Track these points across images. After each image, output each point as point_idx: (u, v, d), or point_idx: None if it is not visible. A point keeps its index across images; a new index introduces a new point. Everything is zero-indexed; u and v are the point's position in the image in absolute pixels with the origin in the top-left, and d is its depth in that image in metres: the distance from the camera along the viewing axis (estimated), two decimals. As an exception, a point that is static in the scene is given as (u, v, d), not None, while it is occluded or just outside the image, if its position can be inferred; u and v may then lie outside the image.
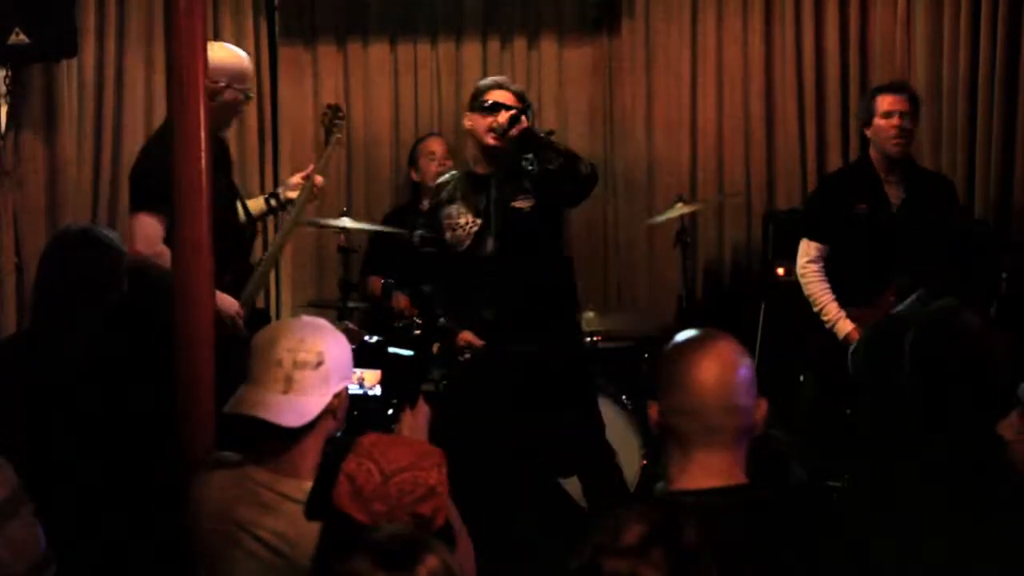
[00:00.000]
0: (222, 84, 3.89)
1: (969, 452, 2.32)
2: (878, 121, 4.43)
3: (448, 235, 4.22)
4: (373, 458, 2.12)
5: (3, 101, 4.84)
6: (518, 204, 4.17)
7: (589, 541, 1.68)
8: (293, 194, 4.25)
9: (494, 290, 4.14)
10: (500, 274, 4.14)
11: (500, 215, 4.14)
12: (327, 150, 4.45)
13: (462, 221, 4.19)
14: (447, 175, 4.38)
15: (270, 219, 4.68)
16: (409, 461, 2.12)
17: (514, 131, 4.04)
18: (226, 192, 4.04)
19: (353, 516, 2.06)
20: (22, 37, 4.48)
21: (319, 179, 4.27)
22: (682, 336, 2.14)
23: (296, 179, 4.31)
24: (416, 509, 2.08)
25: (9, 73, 4.83)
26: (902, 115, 4.42)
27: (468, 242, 4.18)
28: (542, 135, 4.16)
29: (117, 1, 5.21)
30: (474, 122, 4.19)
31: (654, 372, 2.12)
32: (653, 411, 2.09)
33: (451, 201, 4.24)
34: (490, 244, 4.16)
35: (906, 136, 4.45)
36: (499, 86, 4.23)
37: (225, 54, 3.98)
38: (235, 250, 4.04)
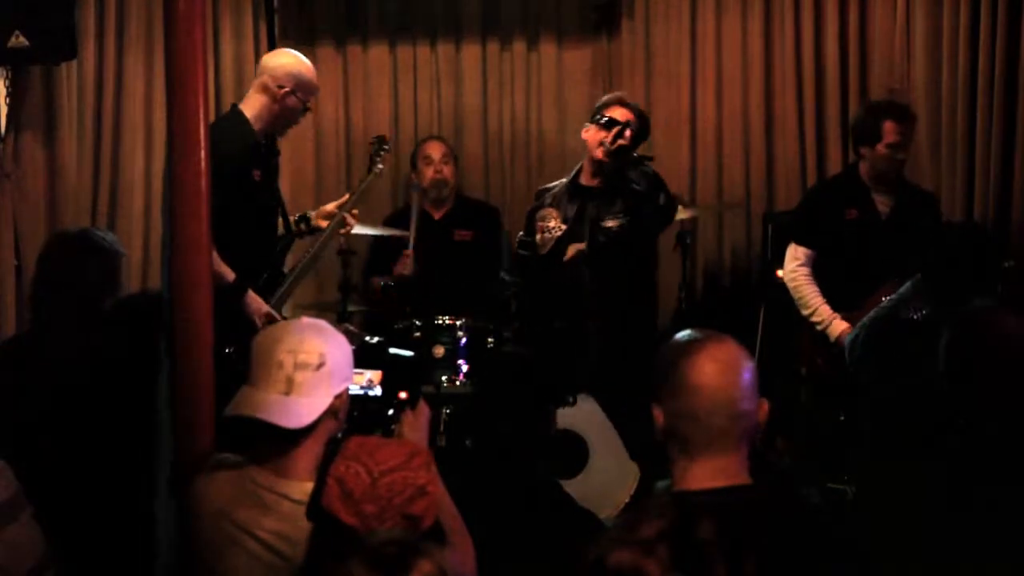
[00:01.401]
0: (287, 89, 3.96)
1: (999, 454, 2.31)
2: (882, 149, 4.50)
3: (537, 237, 4.45)
4: (361, 460, 2.12)
5: (3, 103, 4.84)
6: (607, 223, 4.33)
7: (606, 536, 1.68)
8: (324, 223, 4.29)
9: (566, 296, 4.29)
10: (574, 283, 4.29)
11: (589, 230, 4.28)
12: (368, 177, 4.52)
13: (551, 224, 4.41)
14: (556, 181, 4.60)
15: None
16: (397, 462, 2.13)
17: (615, 145, 4.20)
18: (274, 196, 4.15)
19: (342, 519, 2.06)
20: (22, 39, 4.48)
21: (351, 221, 4.30)
22: (682, 338, 2.12)
23: (330, 207, 4.35)
24: (406, 509, 2.08)
25: (9, 75, 4.83)
26: (907, 145, 4.52)
27: (550, 246, 4.34)
28: (635, 156, 4.34)
29: (117, 3, 5.21)
30: (589, 135, 4.41)
31: (655, 374, 2.11)
32: (658, 415, 2.08)
33: (547, 204, 4.49)
34: (570, 253, 4.32)
35: (905, 162, 4.60)
36: (619, 102, 4.46)
37: (293, 61, 4.07)
38: (269, 254, 4.09)
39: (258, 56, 5.45)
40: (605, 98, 4.53)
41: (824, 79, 5.49)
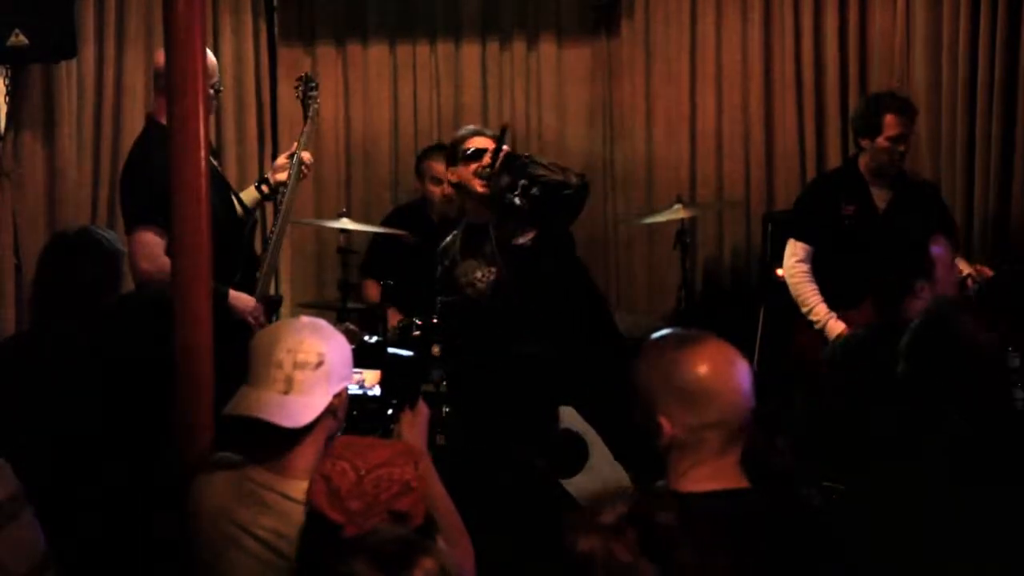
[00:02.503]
0: None
1: (964, 451, 2.32)
2: (882, 142, 4.48)
3: (469, 291, 4.15)
4: (347, 457, 2.14)
5: (3, 102, 4.85)
6: (519, 241, 4.15)
7: (568, 523, 1.68)
8: (283, 176, 4.18)
9: (524, 331, 4.12)
10: (525, 313, 4.13)
11: (504, 257, 4.11)
12: (307, 125, 4.31)
13: (478, 275, 4.14)
14: (449, 237, 4.34)
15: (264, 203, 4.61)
16: (383, 459, 2.14)
17: (498, 164, 4.00)
18: (221, 187, 4.02)
19: (328, 516, 2.07)
20: (21, 38, 4.48)
21: (306, 155, 4.19)
22: (673, 343, 2.07)
23: (282, 160, 4.24)
24: (393, 505, 2.09)
25: (9, 74, 4.83)
26: (908, 138, 4.50)
27: (489, 293, 4.15)
28: (523, 156, 4.12)
29: (116, 2, 5.21)
30: (460, 174, 4.13)
31: (651, 384, 2.05)
32: (667, 425, 2.01)
33: (460, 260, 4.20)
34: (507, 288, 4.14)
35: (906, 155, 4.56)
36: (477, 133, 4.19)
37: None
38: (239, 245, 4.04)
39: (258, 56, 5.46)
40: (460, 134, 4.26)
41: (824, 79, 5.50)
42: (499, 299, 4.13)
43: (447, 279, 4.26)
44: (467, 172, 4.11)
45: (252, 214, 4.25)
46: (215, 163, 4.02)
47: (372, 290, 5.10)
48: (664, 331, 2.12)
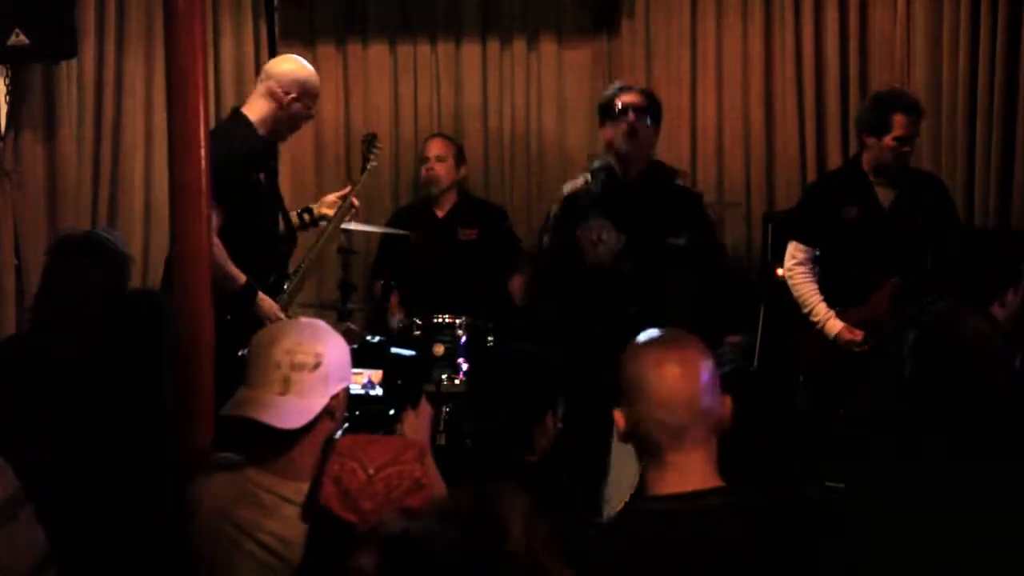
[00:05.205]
0: (293, 96, 3.98)
1: (969, 453, 2.32)
2: (889, 141, 4.43)
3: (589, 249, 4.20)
4: (355, 457, 2.13)
5: (3, 102, 4.85)
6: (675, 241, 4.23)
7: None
8: (328, 211, 4.39)
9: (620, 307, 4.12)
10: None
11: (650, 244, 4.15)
12: (363, 176, 4.64)
13: (604, 236, 4.17)
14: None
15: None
16: (391, 456, 2.14)
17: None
18: (275, 199, 4.20)
19: (341, 516, 2.07)
20: (22, 38, 4.49)
21: (356, 200, 4.45)
22: (641, 339, 2.11)
23: (332, 198, 4.44)
24: (405, 503, 2.08)
25: (9, 73, 4.84)
26: (913, 139, 4.48)
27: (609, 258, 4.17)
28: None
29: (117, 2, 5.22)
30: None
31: (618, 378, 2.08)
32: (620, 419, 2.05)
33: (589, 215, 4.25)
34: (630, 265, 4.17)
35: (910, 155, 4.54)
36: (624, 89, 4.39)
37: (299, 68, 4.11)
38: (275, 255, 4.12)
39: (258, 55, 5.46)
40: (608, 92, 4.47)
41: (824, 79, 5.49)
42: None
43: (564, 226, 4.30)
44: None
45: (294, 234, 4.39)
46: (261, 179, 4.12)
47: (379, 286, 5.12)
48: (654, 330, 2.13)
